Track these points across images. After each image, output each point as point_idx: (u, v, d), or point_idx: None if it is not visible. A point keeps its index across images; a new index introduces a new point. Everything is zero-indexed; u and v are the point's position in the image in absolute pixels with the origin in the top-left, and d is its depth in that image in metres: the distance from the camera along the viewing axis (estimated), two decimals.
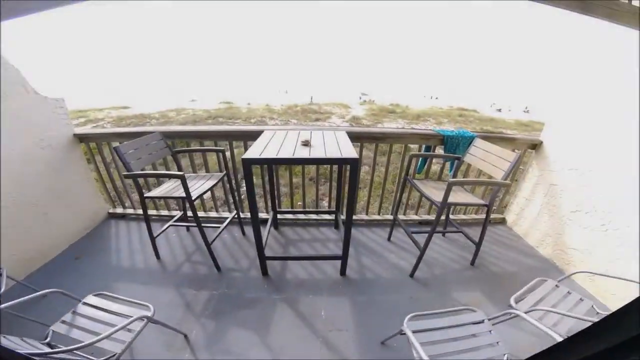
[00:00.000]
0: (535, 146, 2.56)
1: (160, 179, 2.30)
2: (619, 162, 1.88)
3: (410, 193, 2.83)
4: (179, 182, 1.99)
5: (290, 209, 2.70)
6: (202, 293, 1.95)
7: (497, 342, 1.25)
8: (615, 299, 1.81)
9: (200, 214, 2.81)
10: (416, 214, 2.89)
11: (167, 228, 2.30)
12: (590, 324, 1.33)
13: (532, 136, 2.62)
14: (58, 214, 2.29)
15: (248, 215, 2.73)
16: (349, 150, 1.66)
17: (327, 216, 2.72)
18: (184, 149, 2.31)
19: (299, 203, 3.24)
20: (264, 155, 1.57)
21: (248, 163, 1.53)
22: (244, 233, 2.58)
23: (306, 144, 1.74)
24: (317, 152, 1.63)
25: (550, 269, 2.28)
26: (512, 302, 1.44)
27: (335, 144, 1.80)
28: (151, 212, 2.83)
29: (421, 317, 1.35)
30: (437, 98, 44.03)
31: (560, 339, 1.07)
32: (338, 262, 2.07)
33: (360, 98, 35.34)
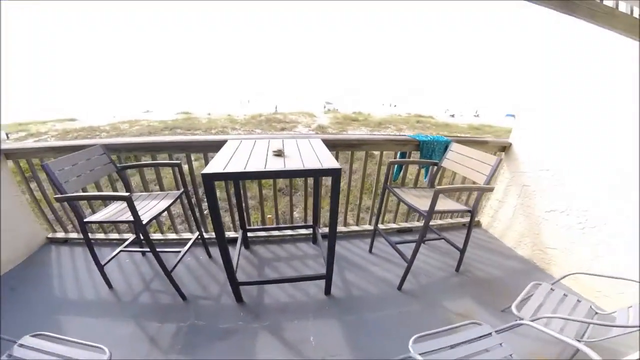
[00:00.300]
0: (505, 148, 2.59)
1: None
2: (591, 161, 1.91)
3: (388, 200, 2.72)
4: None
5: (261, 227, 2.45)
6: (168, 325, 1.68)
7: (511, 355, 1.15)
8: (601, 296, 1.81)
9: (157, 236, 2.47)
10: (394, 222, 2.79)
11: (116, 254, 1.97)
12: (591, 325, 1.34)
13: (502, 139, 2.64)
14: None
15: (213, 235, 2.45)
16: (330, 160, 1.48)
17: (303, 231, 2.52)
18: (131, 164, 1.98)
19: (268, 216, 3.01)
20: (230, 169, 1.33)
21: (209, 179, 1.29)
22: (209, 255, 2.29)
23: (279, 153, 1.54)
24: (293, 163, 1.43)
25: (533, 269, 2.27)
26: (514, 310, 1.37)
27: (312, 153, 1.61)
28: (99, 235, 2.44)
29: (426, 337, 1.21)
30: (395, 106, 46.10)
31: (575, 343, 1.03)
32: (321, 281, 1.88)
33: (324, 107, 35.85)
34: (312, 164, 1.42)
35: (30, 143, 2.15)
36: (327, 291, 1.91)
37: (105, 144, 1.95)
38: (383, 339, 1.62)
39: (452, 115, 35.43)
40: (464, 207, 1.91)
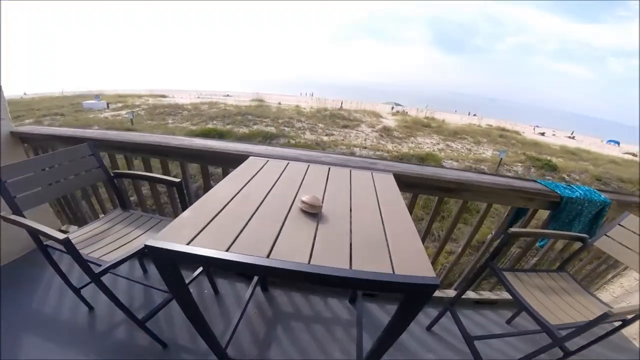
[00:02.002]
0: None
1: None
2: None
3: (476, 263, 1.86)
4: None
5: None
6: None
7: None
8: None
9: None
10: (472, 289, 1.92)
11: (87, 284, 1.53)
12: None
13: None
14: None
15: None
16: (413, 254, 0.71)
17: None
18: (124, 172, 1.48)
19: None
20: (199, 246, 0.64)
21: (163, 260, 0.67)
22: (216, 291, 1.72)
23: (313, 209, 0.83)
24: (329, 250, 0.69)
25: None
26: None
27: (375, 213, 0.86)
28: None
29: None
30: (475, 115, 41.87)
31: None
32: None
33: (392, 108, 34.23)
34: (369, 257, 0.67)
35: (40, 128, 1.79)
36: None
37: (101, 139, 1.49)
38: None
39: (542, 134, 30.79)
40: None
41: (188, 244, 0.65)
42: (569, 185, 1.47)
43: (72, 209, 2.06)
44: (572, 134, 36.12)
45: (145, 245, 0.63)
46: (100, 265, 1.04)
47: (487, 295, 1.91)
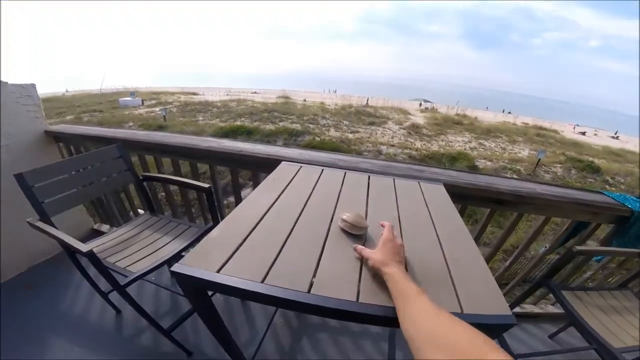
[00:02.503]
0: None
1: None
2: None
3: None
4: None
5: None
6: None
7: None
8: None
9: None
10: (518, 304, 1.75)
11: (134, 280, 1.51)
12: None
13: None
14: (16, 229, 1.62)
15: None
16: (481, 286, 0.59)
17: None
18: (153, 175, 1.44)
19: None
20: (231, 277, 0.55)
21: (191, 287, 0.60)
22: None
23: (356, 230, 0.71)
24: (380, 276, 0.60)
25: None
26: None
27: (432, 237, 0.73)
28: None
29: None
30: (509, 112, 39.78)
31: None
32: None
33: (420, 105, 33.29)
34: (430, 292, 0.55)
35: (73, 128, 1.80)
36: None
37: (136, 140, 1.47)
38: None
39: (583, 133, 28.67)
40: None
41: (218, 271, 0.56)
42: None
43: (104, 208, 2.08)
44: (615, 134, 33.33)
45: (170, 271, 0.56)
46: (126, 276, 1.00)
47: (530, 308, 1.77)
